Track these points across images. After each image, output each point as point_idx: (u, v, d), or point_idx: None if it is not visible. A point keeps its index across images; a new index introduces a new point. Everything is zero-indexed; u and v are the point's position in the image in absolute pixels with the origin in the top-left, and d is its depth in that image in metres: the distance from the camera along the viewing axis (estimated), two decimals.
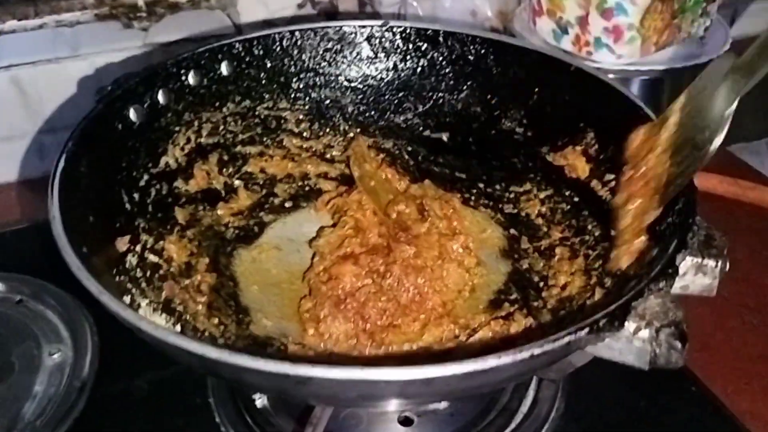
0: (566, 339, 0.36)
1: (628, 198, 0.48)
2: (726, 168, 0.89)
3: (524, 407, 0.54)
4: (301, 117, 0.67)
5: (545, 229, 0.59)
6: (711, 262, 0.43)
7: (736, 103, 0.45)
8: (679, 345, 0.37)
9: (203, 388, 0.58)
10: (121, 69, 0.86)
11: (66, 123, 0.87)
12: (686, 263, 0.42)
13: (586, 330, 0.36)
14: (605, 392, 0.57)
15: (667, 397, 0.56)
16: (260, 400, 0.55)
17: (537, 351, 0.35)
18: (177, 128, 0.60)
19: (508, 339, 0.50)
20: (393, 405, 0.51)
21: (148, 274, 0.50)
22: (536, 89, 0.63)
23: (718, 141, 0.45)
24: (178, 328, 0.45)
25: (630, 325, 0.37)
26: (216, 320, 0.50)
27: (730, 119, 0.45)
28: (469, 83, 0.66)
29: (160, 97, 0.59)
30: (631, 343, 0.38)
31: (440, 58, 0.67)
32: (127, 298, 0.45)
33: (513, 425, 0.54)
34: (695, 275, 0.43)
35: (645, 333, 0.37)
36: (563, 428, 0.55)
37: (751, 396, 0.61)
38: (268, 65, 0.65)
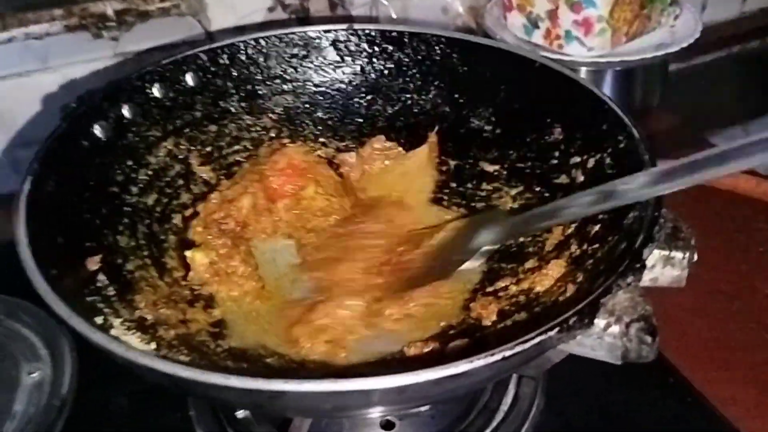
0: (537, 339, 0.36)
1: None
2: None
3: (505, 405, 0.55)
4: (269, 125, 0.67)
5: None
6: (679, 254, 0.43)
7: (489, 247, 0.54)
8: (649, 339, 0.37)
9: (183, 402, 0.58)
10: (97, 80, 0.86)
11: (39, 136, 0.84)
12: (654, 256, 0.43)
13: (557, 329, 0.36)
14: (585, 386, 0.57)
15: (645, 389, 0.57)
16: (241, 412, 0.55)
17: (509, 353, 0.35)
18: (145, 142, 0.59)
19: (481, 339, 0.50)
20: (372, 412, 0.51)
21: (121, 292, 0.49)
22: (502, 87, 0.63)
23: (466, 265, 0.54)
24: (153, 345, 0.45)
25: (600, 322, 0.38)
26: (191, 336, 0.50)
27: (478, 255, 0.54)
28: (436, 83, 0.66)
29: (126, 112, 0.59)
30: (602, 339, 0.38)
31: (406, 60, 0.67)
32: (99, 319, 0.44)
33: (494, 423, 0.54)
34: (664, 267, 0.43)
35: (615, 329, 0.38)
36: (544, 424, 0.55)
37: (731, 383, 0.62)
38: (234, 74, 0.65)
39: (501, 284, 0.55)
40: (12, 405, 0.59)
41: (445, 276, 0.55)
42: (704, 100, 1.23)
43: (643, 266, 0.40)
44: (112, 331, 0.44)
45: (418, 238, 0.60)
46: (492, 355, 0.35)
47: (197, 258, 0.54)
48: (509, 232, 0.54)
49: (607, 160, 0.53)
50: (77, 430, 0.57)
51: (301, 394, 0.35)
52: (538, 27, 0.94)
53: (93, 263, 0.50)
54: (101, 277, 0.49)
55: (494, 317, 0.52)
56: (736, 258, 0.76)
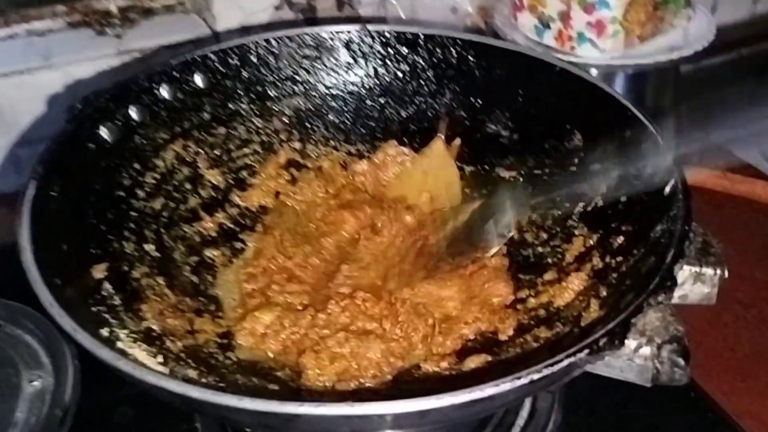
0: (566, 362, 0.34)
1: None
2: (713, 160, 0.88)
3: (521, 419, 0.53)
4: (280, 127, 0.65)
5: (534, 235, 0.58)
6: (709, 271, 0.41)
7: (514, 231, 0.55)
8: (682, 362, 0.35)
9: (190, 414, 0.56)
10: (101, 78, 0.85)
11: (41, 135, 0.85)
12: (684, 272, 0.41)
13: (586, 351, 0.35)
14: (603, 399, 0.56)
15: (664, 402, 0.55)
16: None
17: (536, 376, 0.34)
18: (152, 145, 0.58)
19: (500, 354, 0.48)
20: None
21: (127, 301, 0.48)
22: (520, 91, 0.61)
23: (491, 251, 0.55)
24: (161, 359, 0.43)
25: (630, 343, 0.36)
26: (199, 347, 0.48)
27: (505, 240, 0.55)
28: (451, 87, 0.65)
29: (133, 114, 0.57)
30: (632, 361, 0.37)
31: (421, 62, 0.65)
32: (105, 331, 0.43)
33: None
34: (693, 284, 0.42)
35: (646, 350, 0.36)
36: None
37: (747, 395, 0.60)
38: (245, 75, 0.63)
39: (519, 296, 0.53)
40: (13, 413, 0.57)
41: (470, 260, 0.55)
42: (714, 102, 1.21)
43: (675, 283, 0.38)
44: (119, 344, 0.42)
45: (440, 220, 0.59)
46: (519, 378, 0.33)
47: (266, 318, 0.52)
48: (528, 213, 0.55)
49: (631, 169, 0.51)
50: None
51: (317, 417, 0.33)
52: (549, 28, 0.92)
53: (98, 271, 0.48)
54: (107, 285, 0.48)
55: (512, 331, 0.50)
56: (750, 265, 0.74)
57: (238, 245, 0.60)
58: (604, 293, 0.46)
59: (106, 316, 0.45)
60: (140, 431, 0.57)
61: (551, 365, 0.34)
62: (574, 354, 0.34)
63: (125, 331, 0.44)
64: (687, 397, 0.56)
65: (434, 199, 0.63)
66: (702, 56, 0.93)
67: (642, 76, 0.94)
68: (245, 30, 0.90)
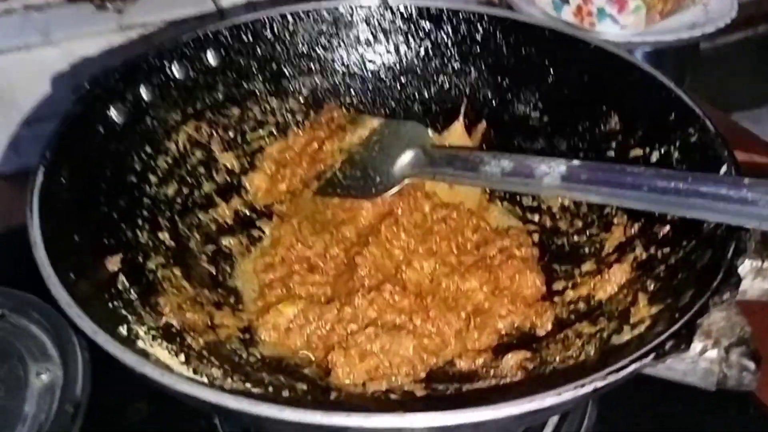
0: (631, 367, 0.32)
1: None
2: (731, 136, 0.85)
3: (555, 418, 0.50)
4: (296, 108, 0.62)
5: (569, 223, 0.55)
6: None
7: (408, 181, 0.54)
8: (752, 366, 0.33)
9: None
10: (103, 56, 0.81)
11: (42, 115, 0.82)
12: (744, 267, 0.38)
13: (652, 356, 0.32)
14: (638, 396, 0.53)
15: (705, 400, 0.53)
16: None
17: (600, 383, 0.31)
18: (164, 127, 0.55)
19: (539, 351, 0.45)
20: None
21: (143, 295, 0.45)
22: (551, 70, 0.58)
23: (385, 195, 0.54)
24: (182, 357, 0.41)
25: (696, 345, 0.34)
26: (221, 344, 0.45)
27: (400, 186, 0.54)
28: (476, 65, 0.61)
29: (144, 94, 0.54)
30: (697, 364, 0.34)
31: (445, 39, 0.62)
32: (123, 328, 0.40)
33: None
34: (754, 279, 0.39)
35: (713, 353, 0.34)
36: None
37: None
38: (259, 53, 0.60)
39: (555, 287, 0.50)
40: (22, 408, 0.54)
41: (366, 197, 0.55)
42: (729, 80, 1.19)
43: (740, 280, 0.35)
44: (138, 343, 0.40)
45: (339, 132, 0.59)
46: (582, 386, 0.31)
47: (288, 311, 0.49)
48: (433, 170, 0.54)
49: (676, 155, 0.48)
50: None
51: (366, 430, 0.30)
52: (567, 3, 0.89)
53: (113, 263, 0.45)
54: (122, 278, 0.45)
55: (550, 326, 0.48)
56: None
57: (256, 233, 0.57)
58: (652, 287, 0.43)
59: (123, 311, 0.42)
60: (156, 428, 0.54)
61: (616, 371, 0.31)
62: (639, 359, 0.32)
63: (144, 328, 0.42)
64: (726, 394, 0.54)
65: (453, 187, 0.60)
66: (717, 33, 0.91)
67: (661, 54, 0.91)
68: (251, 5, 0.86)
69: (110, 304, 0.42)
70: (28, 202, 0.41)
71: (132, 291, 0.44)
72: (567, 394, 0.31)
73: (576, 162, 0.45)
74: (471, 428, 0.31)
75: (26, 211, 0.41)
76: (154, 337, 0.41)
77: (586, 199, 0.45)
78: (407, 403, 0.41)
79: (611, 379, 0.31)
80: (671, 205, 0.41)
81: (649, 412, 0.53)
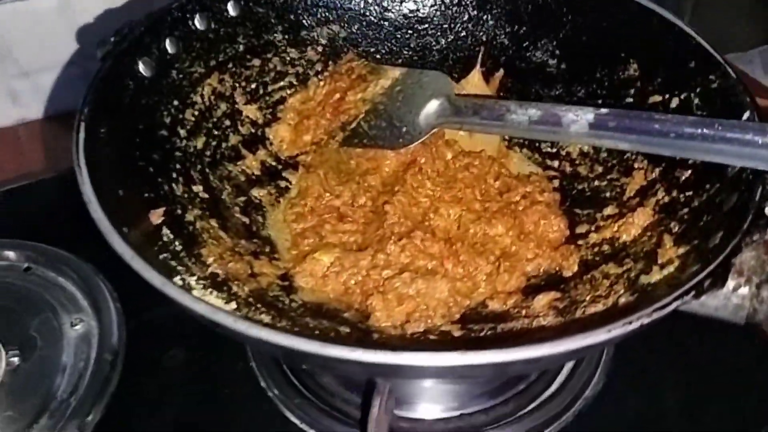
0: (674, 304, 0.34)
1: None
2: None
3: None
4: (315, 58, 0.62)
5: (589, 168, 0.57)
6: None
7: (435, 130, 0.56)
8: None
9: (243, 353, 0.56)
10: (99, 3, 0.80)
11: (39, 66, 0.81)
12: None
13: (693, 293, 0.34)
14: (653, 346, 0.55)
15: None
16: None
17: (647, 320, 0.33)
18: (189, 80, 0.55)
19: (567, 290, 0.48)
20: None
21: (187, 246, 0.46)
22: (569, 17, 0.59)
23: (412, 146, 0.56)
24: (233, 305, 0.42)
25: (729, 283, 0.36)
26: (264, 291, 0.47)
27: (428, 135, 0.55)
28: (494, 12, 0.62)
29: (168, 46, 0.54)
30: (729, 300, 0.37)
31: None
32: (178, 279, 0.41)
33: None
34: None
35: (745, 290, 0.36)
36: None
37: None
38: (277, 2, 0.60)
39: (578, 231, 0.53)
40: (59, 358, 0.56)
41: (393, 147, 0.56)
42: (725, 21, 1.19)
43: (767, 221, 0.38)
44: (194, 293, 0.41)
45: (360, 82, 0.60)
46: (630, 323, 0.33)
47: (325, 259, 0.50)
48: (459, 120, 0.55)
49: (696, 101, 0.50)
50: (133, 385, 0.54)
51: (431, 367, 0.33)
52: None
53: (156, 216, 0.46)
54: (166, 231, 0.46)
55: (576, 267, 0.50)
56: None
57: (283, 184, 0.58)
58: (676, 229, 0.45)
59: (173, 263, 0.44)
60: (193, 373, 0.56)
61: (660, 308, 0.34)
62: (681, 296, 0.34)
63: (194, 278, 0.43)
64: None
65: (472, 135, 0.62)
66: None
67: None
68: None
69: (160, 257, 0.43)
70: (75, 159, 0.42)
71: (176, 243, 0.46)
72: (616, 330, 0.33)
73: (603, 110, 0.46)
74: (524, 363, 0.33)
75: (76, 168, 0.41)
76: (204, 287, 0.43)
77: (614, 146, 0.47)
78: (456, 341, 0.43)
79: (656, 315, 0.34)
80: (698, 150, 0.43)
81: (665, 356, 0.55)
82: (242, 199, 0.55)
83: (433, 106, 0.55)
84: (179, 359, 0.57)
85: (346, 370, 0.37)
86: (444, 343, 0.43)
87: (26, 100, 0.84)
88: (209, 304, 0.35)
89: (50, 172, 0.73)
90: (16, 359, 0.55)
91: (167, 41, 0.54)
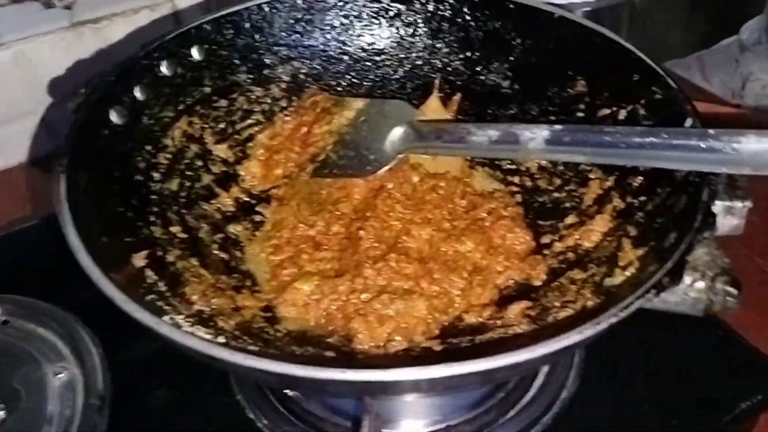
0: (637, 303, 0.37)
1: None
2: None
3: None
4: (279, 95, 0.65)
5: (548, 181, 0.60)
6: (738, 203, 0.45)
7: (401, 156, 0.58)
8: (735, 291, 0.39)
9: (227, 386, 0.57)
10: (57, 55, 0.80)
11: None
12: (717, 207, 0.44)
13: (654, 291, 0.37)
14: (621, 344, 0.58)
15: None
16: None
17: (614, 320, 0.36)
18: (160, 124, 0.57)
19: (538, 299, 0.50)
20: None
21: (171, 286, 0.47)
22: (517, 41, 0.62)
23: (380, 172, 0.58)
24: (222, 339, 0.44)
25: (686, 278, 0.39)
26: (249, 323, 0.49)
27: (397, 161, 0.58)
28: (446, 40, 0.65)
29: (138, 94, 0.56)
30: (687, 295, 0.39)
31: (414, 18, 0.65)
32: (167, 318, 0.43)
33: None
34: (725, 218, 0.45)
35: (701, 284, 0.39)
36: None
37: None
38: (240, 44, 0.62)
39: (543, 241, 0.55)
40: (44, 409, 0.56)
41: (362, 175, 0.58)
42: (662, 30, 1.26)
43: (715, 219, 0.41)
44: (183, 330, 0.42)
45: (325, 115, 0.62)
46: (599, 324, 0.36)
47: (305, 288, 0.52)
48: (423, 144, 0.57)
49: (642, 111, 0.53)
50: (120, 429, 0.55)
51: (419, 381, 0.35)
52: None
53: (139, 259, 0.47)
54: (149, 273, 0.47)
55: (544, 276, 0.53)
56: None
57: (258, 218, 0.60)
58: (634, 232, 0.48)
59: (160, 303, 0.45)
60: (180, 411, 0.57)
61: (625, 308, 0.36)
62: (643, 295, 0.37)
63: (181, 317, 0.44)
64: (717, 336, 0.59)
65: (436, 157, 0.64)
66: None
67: (597, 12, 0.96)
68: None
69: (146, 298, 0.45)
70: (59, 210, 0.43)
71: (160, 284, 0.47)
72: (587, 332, 0.36)
73: (558, 126, 0.50)
74: (509, 369, 0.36)
75: (60, 218, 0.43)
76: (192, 324, 0.44)
77: (570, 159, 0.50)
78: (438, 356, 0.45)
79: (622, 315, 0.36)
80: (648, 158, 0.46)
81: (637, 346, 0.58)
82: (219, 236, 0.57)
83: (397, 133, 0.58)
84: (165, 398, 0.58)
85: (338, 391, 0.38)
86: (428, 357, 0.45)
87: None
88: (205, 339, 0.36)
89: (19, 224, 0.73)
90: (1, 413, 0.55)
91: (136, 89, 0.55)
